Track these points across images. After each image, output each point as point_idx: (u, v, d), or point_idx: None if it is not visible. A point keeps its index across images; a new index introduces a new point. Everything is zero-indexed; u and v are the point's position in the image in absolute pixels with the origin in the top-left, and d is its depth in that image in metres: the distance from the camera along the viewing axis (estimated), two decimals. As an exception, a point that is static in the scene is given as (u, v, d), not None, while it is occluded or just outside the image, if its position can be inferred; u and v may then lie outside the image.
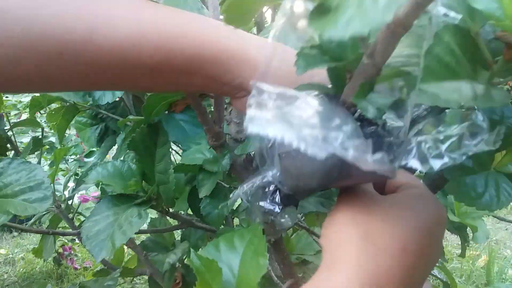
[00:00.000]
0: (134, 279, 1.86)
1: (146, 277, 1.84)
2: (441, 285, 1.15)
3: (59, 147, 1.38)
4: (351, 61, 0.30)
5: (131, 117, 1.02)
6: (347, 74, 0.31)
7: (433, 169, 0.28)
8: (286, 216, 0.41)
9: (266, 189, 0.40)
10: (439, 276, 1.15)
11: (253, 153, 0.69)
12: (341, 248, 0.29)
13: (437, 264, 1.15)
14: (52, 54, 0.33)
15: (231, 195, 0.43)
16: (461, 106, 0.31)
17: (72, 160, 1.89)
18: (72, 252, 2.16)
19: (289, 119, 0.27)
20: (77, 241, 2.39)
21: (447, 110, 0.33)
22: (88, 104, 1.17)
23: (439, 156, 0.28)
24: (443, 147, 0.28)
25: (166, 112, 0.66)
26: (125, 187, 0.62)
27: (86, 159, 1.71)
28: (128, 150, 1.19)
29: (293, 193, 0.36)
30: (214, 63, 0.37)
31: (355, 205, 0.31)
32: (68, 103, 1.14)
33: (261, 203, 0.40)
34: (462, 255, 0.83)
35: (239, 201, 0.82)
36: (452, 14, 0.33)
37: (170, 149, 0.62)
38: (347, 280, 0.26)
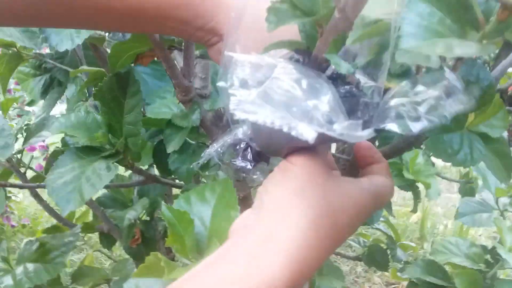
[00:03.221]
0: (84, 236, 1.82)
1: (92, 235, 1.81)
2: (385, 238, 1.23)
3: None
4: (323, 16, 0.29)
5: (84, 67, 0.97)
6: (318, 29, 0.31)
7: (411, 132, 0.28)
8: (258, 172, 0.41)
9: (237, 147, 0.40)
10: (384, 230, 1.23)
11: (222, 108, 0.68)
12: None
13: (383, 219, 1.23)
14: None
15: (202, 154, 0.42)
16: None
17: (13, 109, 1.77)
18: (8, 209, 2.06)
19: (273, 97, 0.27)
20: (13, 198, 2.29)
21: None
22: (33, 52, 1.09)
23: (418, 119, 0.28)
24: (422, 109, 0.28)
25: (132, 64, 0.63)
26: (91, 138, 0.59)
27: (27, 107, 1.62)
28: (79, 103, 1.13)
29: (264, 151, 0.37)
30: (185, 7, 0.37)
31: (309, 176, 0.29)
32: (11, 51, 1.06)
33: (233, 161, 0.40)
34: (414, 210, 0.89)
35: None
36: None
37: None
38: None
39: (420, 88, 0.29)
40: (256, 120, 0.25)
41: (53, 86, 1.25)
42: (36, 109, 1.52)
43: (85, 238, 1.95)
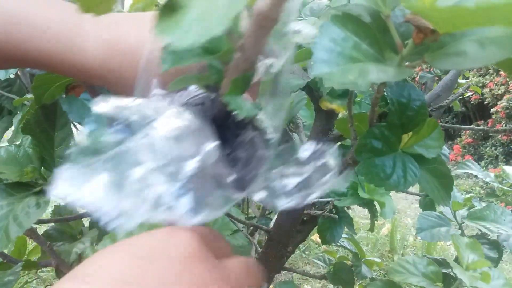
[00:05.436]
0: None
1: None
2: (350, 255, 1.21)
3: None
4: (223, 54, 0.27)
5: (28, 95, 0.93)
6: (224, 68, 0.29)
7: (277, 208, 0.27)
8: None
9: None
10: (348, 247, 1.21)
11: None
12: None
13: (347, 236, 1.21)
14: None
15: None
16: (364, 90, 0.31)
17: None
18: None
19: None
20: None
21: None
22: (-22, 81, 1.06)
23: (285, 195, 0.27)
24: (290, 186, 0.27)
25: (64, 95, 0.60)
26: (21, 174, 0.56)
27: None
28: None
29: None
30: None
31: None
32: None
33: None
34: (371, 229, 0.87)
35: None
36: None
37: (73, 131, 0.56)
38: None
39: (296, 162, 0.28)
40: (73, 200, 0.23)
41: (3, 115, 1.21)
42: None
43: (49, 270, 1.88)
